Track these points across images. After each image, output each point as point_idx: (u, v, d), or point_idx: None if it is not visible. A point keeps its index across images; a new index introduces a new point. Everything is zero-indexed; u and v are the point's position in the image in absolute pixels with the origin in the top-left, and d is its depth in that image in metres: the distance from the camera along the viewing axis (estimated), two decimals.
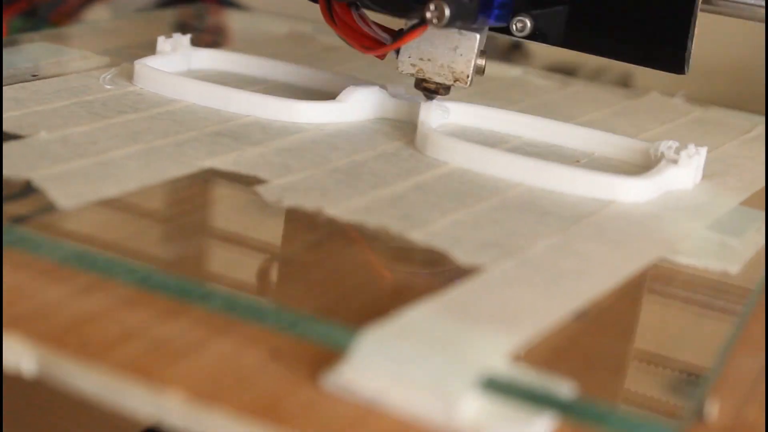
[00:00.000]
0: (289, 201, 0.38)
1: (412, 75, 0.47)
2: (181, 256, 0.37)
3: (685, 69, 0.47)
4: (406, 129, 0.48)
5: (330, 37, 0.63)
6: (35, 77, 0.50)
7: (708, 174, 0.46)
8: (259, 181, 0.40)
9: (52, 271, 0.33)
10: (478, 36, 0.46)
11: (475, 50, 0.46)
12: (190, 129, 0.45)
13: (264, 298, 0.34)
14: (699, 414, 0.30)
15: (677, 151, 0.45)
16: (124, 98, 0.48)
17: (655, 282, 0.38)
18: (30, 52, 0.54)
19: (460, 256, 0.35)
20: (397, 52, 0.47)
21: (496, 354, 0.29)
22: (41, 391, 0.30)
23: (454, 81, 0.46)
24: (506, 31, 0.47)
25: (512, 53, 0.85)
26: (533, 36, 0.47)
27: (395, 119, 0.49)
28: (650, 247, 0.39)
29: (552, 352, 0.31)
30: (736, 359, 0.33)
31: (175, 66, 0.52)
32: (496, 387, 0.28)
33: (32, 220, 0.36)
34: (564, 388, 0.29)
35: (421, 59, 0.46)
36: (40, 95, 0.47)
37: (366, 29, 0.46)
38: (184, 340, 0.30)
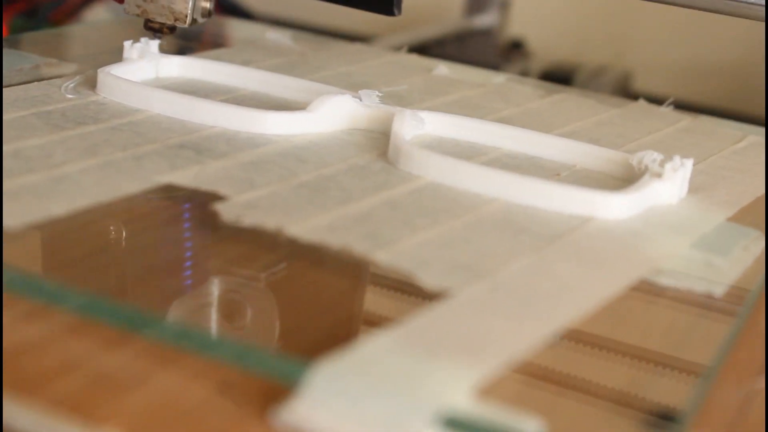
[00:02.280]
0: (249, 219, 0.36)
1: (138, 15, 0.51)
2: (129, 282, 0.35)
3: (395, 11, 0.49)
4: (380, 140, 0.46)
5: (307, 44, 0.61)
6: None
7: (694, 187, 0.44)
8: (218, 197, 0.38)
9: None
10: None
11: None
12: (151, 141, 0.43)
13: (212, 328, 0.32)
14: None
15: (662, 164, 0.43)
16: (85, 108, 0.46)
17: (635, 306, 0.36)
18: None
19: (427, 279, 0.33)
20: None
21: (458, 389, 0.28)
22: None
23: (175, 20, 0.51)
24: None
25: (511, 53, 0.83)
26: None
27: (368, 129, 0.47)
28: (631, 268, 0.37)
29: (520, 384, 0.30)
30: (719, 388, 0.32)
31: (141, 74, 0.50)
32: (457, 425, 0.27)
33: None
34: (531, 425, 0.27)
35: (144, 0, 0.51)
36: None
37: None
38: (128, 373, 0.29)
